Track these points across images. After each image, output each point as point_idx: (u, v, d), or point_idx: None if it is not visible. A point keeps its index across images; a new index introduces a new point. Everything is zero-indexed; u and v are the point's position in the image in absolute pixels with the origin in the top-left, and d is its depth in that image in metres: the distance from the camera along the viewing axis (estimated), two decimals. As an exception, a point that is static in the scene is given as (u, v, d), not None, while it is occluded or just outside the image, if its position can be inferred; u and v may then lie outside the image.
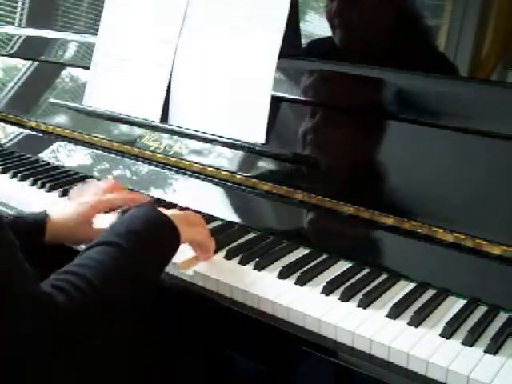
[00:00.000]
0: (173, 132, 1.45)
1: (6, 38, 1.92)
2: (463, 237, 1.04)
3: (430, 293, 1.03)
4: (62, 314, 0.81)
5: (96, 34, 1.62)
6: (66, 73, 1.75)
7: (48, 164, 1.63)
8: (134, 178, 1.48)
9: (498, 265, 1.01)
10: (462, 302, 1.00)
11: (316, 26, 1.35)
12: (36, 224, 1.13)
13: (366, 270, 1.10)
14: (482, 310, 0.98)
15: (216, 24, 1.41)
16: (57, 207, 1.18)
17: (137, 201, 1.20)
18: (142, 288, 0.95)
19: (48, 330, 0.80)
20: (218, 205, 1.33)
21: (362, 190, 1.18)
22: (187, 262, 1.11)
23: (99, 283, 0.86)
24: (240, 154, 1.34)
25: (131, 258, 0.92)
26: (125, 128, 1.55)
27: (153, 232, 0.97)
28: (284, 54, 1.29)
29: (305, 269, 1.09)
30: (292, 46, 1.31)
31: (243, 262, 1.12)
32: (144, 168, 1.48)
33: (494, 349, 0.88)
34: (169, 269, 1.12)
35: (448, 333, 0.92)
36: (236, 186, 1.32)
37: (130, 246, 0.92)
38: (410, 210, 1.11)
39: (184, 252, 1.09)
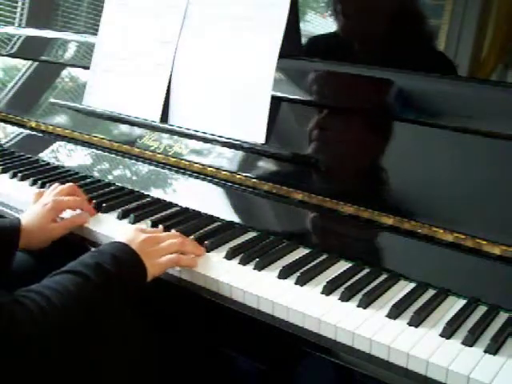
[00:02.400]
0: (173, 132, 1.45)
1: (6, 38, 1.92)
2: (463, 237, 1.04)
3: (430, 293, 1.03)
4: (21, 330, 0.86)
5: (96, 34, 1.62)
6: (65, 73, 1.75)
7: (48, 164, 1.63)
8: (134, 177, 1.48)
9: (498, 265, 1.01)
10: (461, 302, 1.00)
11: (316, 26, 1.35)
12: (11, 232, 1.18)
13: (366, 270, 1.10)
14: (482, 309, 0.98)
15: (216, 24, 1.41)
16: (26, 213, 1.25)
17: (84, 208, 1.30)
18: (99, 316, 0.99)
19: (5, 345, 0.85)
20: (218, 205, 1.33)
21: (362, 190, 1.18)
22: None
23: (61, 307, 0.91)
24: (240, 153, 1.34)
25: (94, 289, 0.97)
26: (125, 128, 1.55)
27: (120, 270, 1.01)
28: (284, 54, 1.29)
29: (305, 269, 1.09)
30: (292, 45, 1.31)
31: (243, 262, 1.12)
32: (144, 168, 1.48)
33: (493, 349, 0.88)
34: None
35: (448, 333, 0.92)
36: (236, 186, 1.32)
37: (95, 279, 0.97)
38: (410, 209, 1.11)
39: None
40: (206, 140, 1.39)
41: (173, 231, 1.19)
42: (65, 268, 0.99)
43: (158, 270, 1.08)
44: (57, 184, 1.35)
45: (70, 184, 1.34)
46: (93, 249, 1.14)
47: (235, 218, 1.28)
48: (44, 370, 0.93)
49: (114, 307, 1.02)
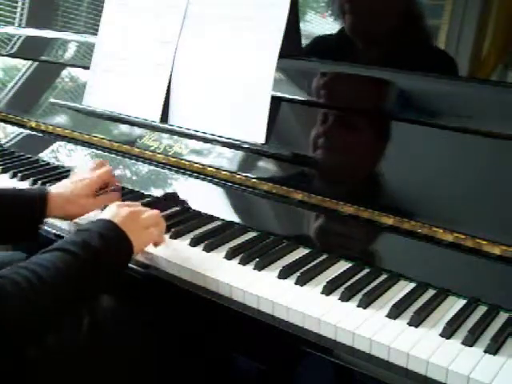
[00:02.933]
0: (173, 132, 1.45)
1: (6, 38, 1.92)
2: (463, 237, 1.04)
3: (430, 293, 1.03)
4: (9, 302, 0.88)
5: (96, 34, 1.62)
6: (66, 73, 1.75)
7: (48, 164, 1.63)
8: (134, 177, 1.48)
9: (497, 265, 1.01)
10: (461, 302, 1.00)
11: (316, 26, 1.35)
12: (38, 199, 1.21)
13: (366, 270, 1.10)
14: (482, 309, 0.98)
15: (216, 24, 1.41)
16: (55, 185, 1.28)
17: (112, 181, 1.36)
18: (88, 294, 1.00)
19: None
20: (218, 205, 1.33)
21: (362, 190, 1.18)
22: None
23: (50, 283, 0.92)
24: (240, 154, 1.34)
25: (83, 266, 0.98)
26: (125, 128, 1.55)
27: (107, 247, 1.02)
28: (284, 54, 1.29)
29: (305, 269, 1.09)
30: (292, 45, 1.31)
31: (243, 262, 1.12)
32: (144, 168, 1.48)
33: (493, 349, 0.88)
34: (164, 266, 1.13)
35: (448, 333, 0.92)
36: (236, 186, 1.32)
37: (83, 256, 0.98)
38: (410, 209, 1.11)
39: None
40: (206, 140, 1.39)
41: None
42: (53, 246, 1.00)
43: (143, 245, 1.11)
44: (93, 164, 1.36)
45: (109, 168, 1.36)
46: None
47: (235, 218, 1.28)
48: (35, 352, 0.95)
49: (102, 285, 1.03)
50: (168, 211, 1.33)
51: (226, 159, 1.36)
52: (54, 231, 1.29)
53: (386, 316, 0.96)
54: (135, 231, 1.08)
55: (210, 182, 1.36)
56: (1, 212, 1.18)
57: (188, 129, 1.41)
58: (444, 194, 1.09)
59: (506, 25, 1.14)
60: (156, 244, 1.15)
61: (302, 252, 1.16)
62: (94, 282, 1.00)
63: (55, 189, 1.25)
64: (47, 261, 0.95)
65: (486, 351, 0.88)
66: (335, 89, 1.26)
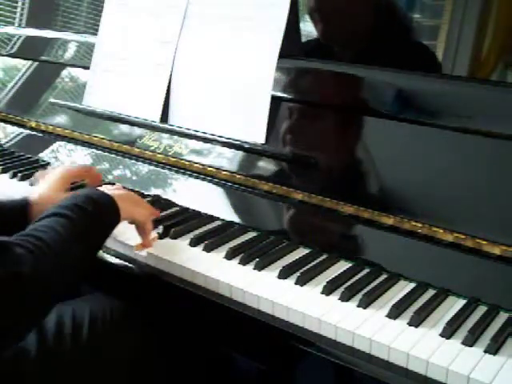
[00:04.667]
0: (173, 132, 1.45)
1: (6, 38, 1.92)
2: (463, 237, 1.04)
3: (430, 293, 1.03)
4: (22, 265, 0.89)
5: (96, 34, 1.62)
6: (66, 73, 1.75)
7: (48, 164, 1.63)
8: (134, 177, 1.48)
9: (498, 265, 1.01)
10: (461, 302, 1.00)
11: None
12: (19, 213, 1.19)
13: (366, 270, 1.10)
14: (482, 309, 0.98)
15: (216, 24, 1.41)
16: (34, 191, 1.25)
17: (91, 173, 1.37)
18: (85, 253, 1.03)
19: (8, 276, 0.86)
20: (218, 205, 1.33)
21: (362, 190, 1.18)
22: (140, 245, 1.18)
23: (53, 245, 0.95)
24: (240, 154, 1.34)
25: (77, 227, 1.01)
26: (125, 128, 1.55)
27: (95, 207, 1.06)
28: (284, 54, 1.29)
29: (305, 269, 1.09)
30: (292, 45, 1.31)
31: (243, 262, 1.12)
32: (144, 168, 1.48)
33: (493, 349, 0.88)
34: (164, 266, 1.13)
35: (448, 333, 0.92)
36: (236, 186, 1.32)
37: (75, 217, 1.02)
38: (410, 209, 1.11)
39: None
40: (206, 140, 1.39)
41: None
42: (45, 213, 1.03)
43: (129, 214, 1.13)
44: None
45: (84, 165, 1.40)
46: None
47: (235, 218, 1.28)
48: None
49: (95, 244, 1.06)
50: (168, 211, 1.33)
51: (226, 159, 1.36)
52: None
53: (386, 316, 0.96)
54: (124, 200, 1.11)
55: (210, 182, 1.36)
56: None
57: (188, 129, 1.41)
58: (444, 193, 1.09)
59: (505, 25, 1.14)
60: (145, 246, 1.16)
61: (302, 252, 1.16)
62: (87, 236, 1.03)
63: (38, 196, 1.22)
64: (46, 227, 0.98)
65: (486, 351, 0.88)
66: (335, 89, 1.26)
